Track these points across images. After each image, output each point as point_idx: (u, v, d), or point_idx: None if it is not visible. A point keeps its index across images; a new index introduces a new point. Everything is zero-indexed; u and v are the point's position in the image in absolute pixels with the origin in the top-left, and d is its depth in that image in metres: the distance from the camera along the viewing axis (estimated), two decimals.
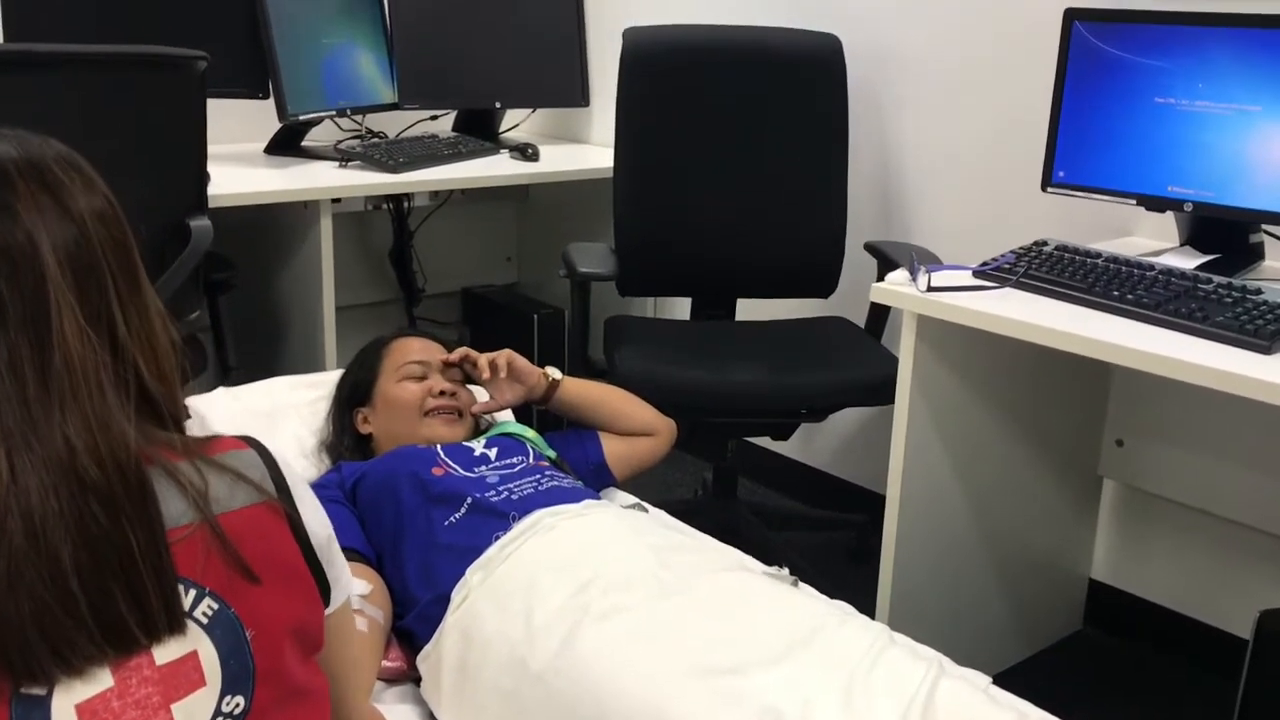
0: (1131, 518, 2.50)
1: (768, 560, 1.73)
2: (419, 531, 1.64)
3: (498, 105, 3.38)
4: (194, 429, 1.07)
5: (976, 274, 2.00)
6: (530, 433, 1.93)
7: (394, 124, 3.35)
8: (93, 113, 2.16)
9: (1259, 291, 1.78)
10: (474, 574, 1.53)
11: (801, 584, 1.64)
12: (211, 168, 2.47)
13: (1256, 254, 2.11)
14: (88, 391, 0.94)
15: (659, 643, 1.36)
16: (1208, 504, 2.31)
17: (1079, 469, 2.43)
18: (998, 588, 2.34)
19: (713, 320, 2.89)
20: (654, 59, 2.73)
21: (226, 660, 0.98)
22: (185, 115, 2.32)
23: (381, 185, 2.85)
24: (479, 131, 3.32)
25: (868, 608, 1.61)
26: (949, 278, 1.98)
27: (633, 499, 1.95)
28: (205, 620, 0.97)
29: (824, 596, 1.63)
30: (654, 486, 3.03)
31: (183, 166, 2.36)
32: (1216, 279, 1.84)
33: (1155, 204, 2.11)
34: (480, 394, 1.99)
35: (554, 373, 2.01)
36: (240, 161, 2.90)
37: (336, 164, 2.90)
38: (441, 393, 1.89)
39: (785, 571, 1.64)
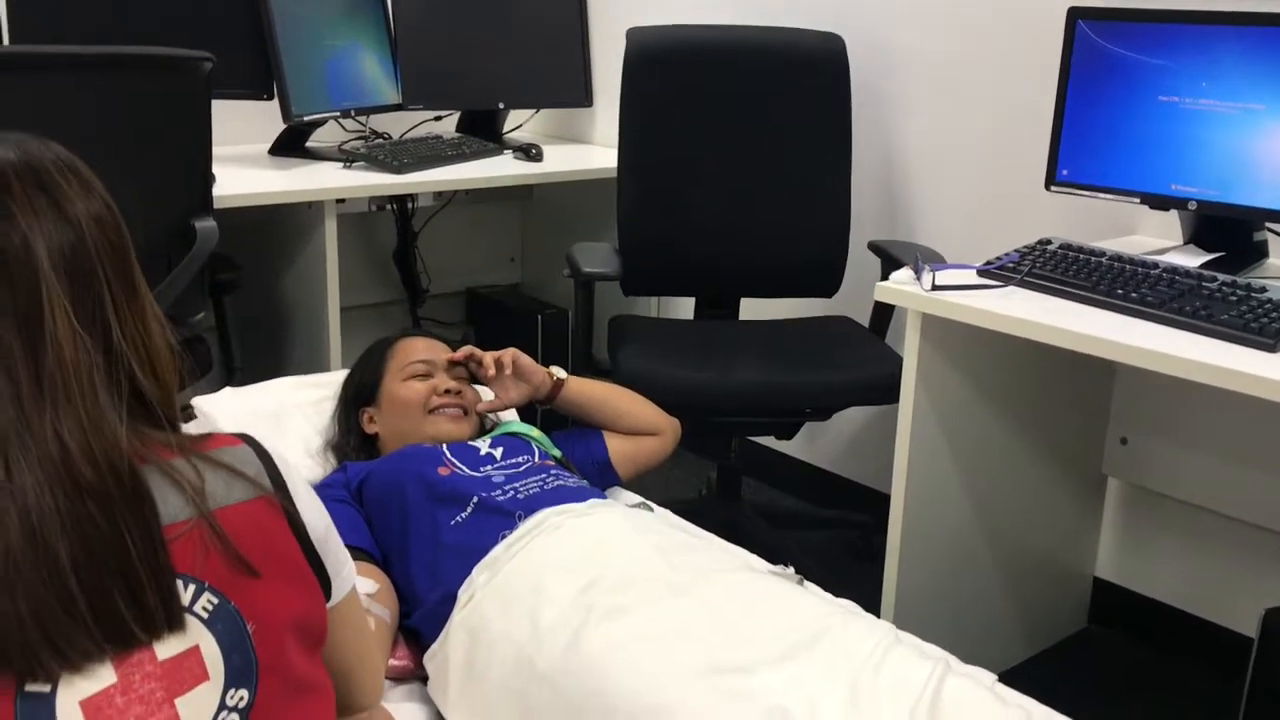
0: (1136, 516, 2.50)
1: (773, 559, 1.73)
2: (425, 531, 1.65)
3: (501, 106, 3.38)
4: (200, 429, 1.08)
5: (981, 273, 2.00)
6: (535, 432, 1.93)
7: (398, 125, 3.35)
8: (97, 114, 2.17)
9: (1264, 290, 1.78)
10: (480, 573, 1.53)
11: (807, 583, 1.64)
12: (216, 169, 2.47)
13: (1260, 252, 2.11)
14: (80, 392, 0.95)
15: (665, 642, 1.37)
16: (1212, 502, 2.31)
17: (1083, 467, 2.43)
18: (1002, 586, 2.34)
19: (716, 320, 2.89)
20: (657, 59, 2.73)
21: (229, 654, 0.98)
22: (190, 116, 2.32)
23: (385, 186, 2.85)
24: (483, 132, 3.33)
25: (873, 607, 1.61)
26: (953, 277, 1.98)
27: (638, 498, 1.95)
28: (206, 615, 0.97)
29: (829, 595, 1.63)
30: (658, 486, 3.03)
31: (188, 167, 2.37)
32: (1221, 277, 1.84)
33: (1159, 202, 2.11)
34: (485, 394, 1.99)
35: (559, 372, 2.01)
36: (245, 163, 2.90)
37: (341, 165, 2.90)
38: (446, 391, 1.89)
39: (791, 570, 1.65)
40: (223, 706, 0.98)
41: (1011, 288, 1.96)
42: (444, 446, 1.79)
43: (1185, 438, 2.30)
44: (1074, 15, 2.16)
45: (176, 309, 2.34)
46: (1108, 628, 2.56)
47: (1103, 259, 1.97)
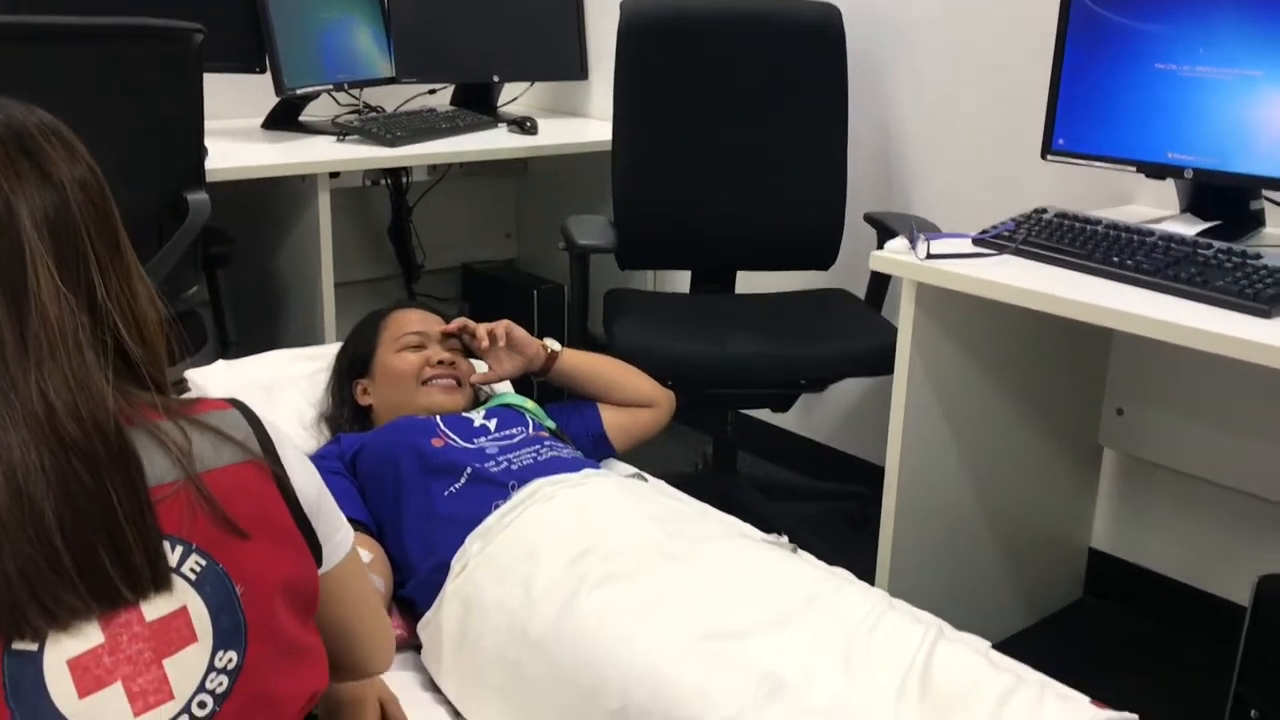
0: (1131, 487, 2.50)
1: (768, 531, 1.73)
2: (419, 501, 1.64)
3: (495, 79, 3.37)
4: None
5: (976, 241, 2.00)
6: (529, 404, 1.93)
7: (391, 98, 3.33)
8: (88, 86, 2.15)
9: (1259, 256, 1.78)
10: (473, 543, 1.53)
11: (801, 551, 1.64)
12: (209, 142, 2.46)
13: (1257, 220, 2.10)
14: (65, 351, 0.95)
15: (658, 609, 1.37)
16: (1207, 472, 2.31)
17: (1079, 438, 2.42)
18: (997, 557, 2.34)
19: (712, 293, 2.88)
20: (652, 31, 2.71)
21: (217, 615, 0.98)
22: (181, 88, 2.31)
23: (379, 159, 2.84)
24: (477, 105, 3.31)
25: (867, 577, 1.61)
26: (948, 245, 1.97)
27: (632, 469, 1.95)
28: (193, 576, 0.97)
29: (823, 563, 1.63)
30: (654, 460, 3.01)
31: (179, 140, 2.35)
32: (1217, 244, 1.83)
33: (1155, 171, 2.10)
34: (480, 367, 1.99)
35: (553, 344, 2.00)
36: (238, 136, 2.89)
37: (334, 138, 2.89)
38: (440, 362, 1.88)
39: (784, 539, 1.64)
40: (211, 668, 0.97)
41: (1006, 256, 1.96)
42: (438, 418, 1.79)
43: (1181, 408, 2.30)
44: None
45: (170, 282, 2.33)
46: (1103, 598, 2.57)
47: (1098, 227, 1.96)
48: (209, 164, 2.45)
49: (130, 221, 1.04)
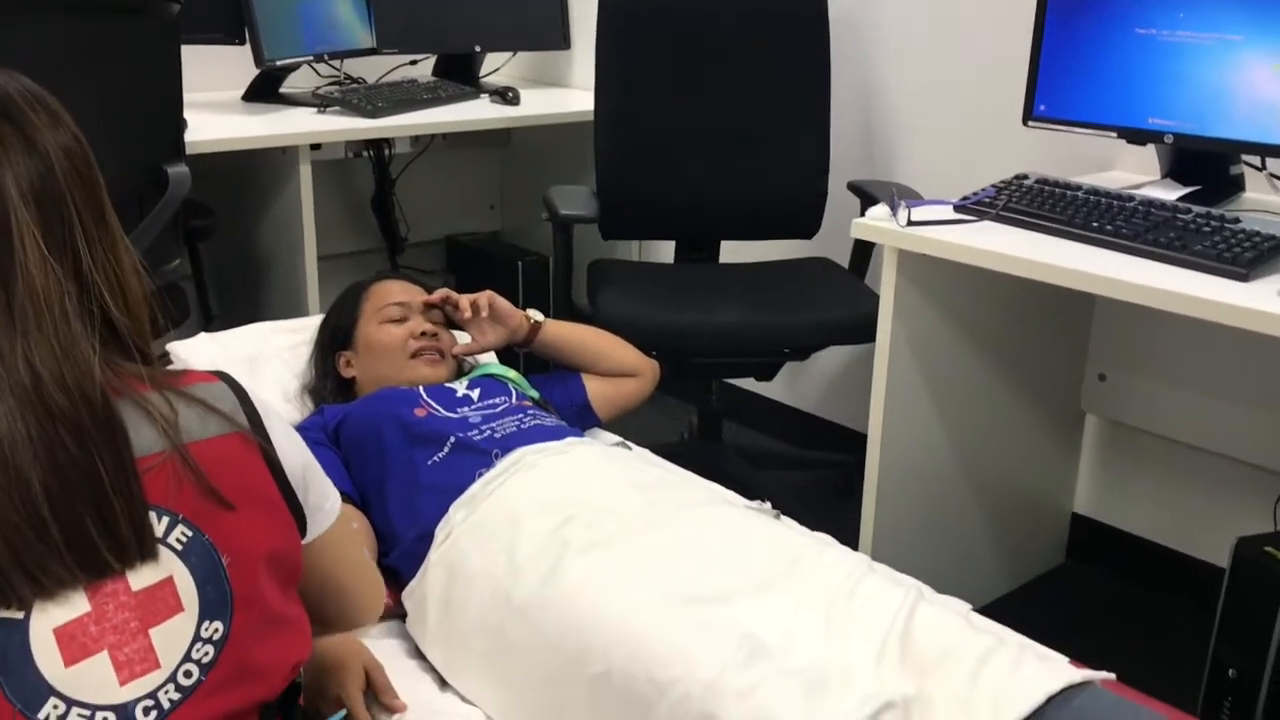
0: (1114, 452, 2.51)
1: (750, 497, 1.74)
2: (402, 471, 1.65)
3: (477, 49, 3.34)
4: None
5: (957, 208, 2.00)
6: (512, 374, 1.93)
7: (373, 69, 3.31)
8: (65, 58, 2.13)
9: (1237, 220, 1.78)
10: (457, 511, 1.54)
11: (783, 517, 1.65)
12: (189, 115, 2.44)
13: (1237, 185, 2.11)
14: (52, 320, 0.95)
15: (641, 575, 1.37)
16: (1188, 436, 2.33)
17: (1061, 404, 2.44)
18: (980, 523, 2.36)
19: (696, 263, 2.88)
20: (634, 0, 2.70)
21: (203, 586, 0.99)
22: (160, 61, 2.29)
23: (360, 130, 2.83)
24: (459, 76, 3.29)
25: (851, 545, 1.62)
26: (929, 212, 1.98)
27: (616, 438, 1.95)
28: (180, 546, 0.98)
29: (805, 529, 1.64)
30: (640, 431, 3.01)
31: (158, 112, 2.34)
32: (1196, 209, 1.84)
33: (1136, 136, 2.11)
34: (463, 338, 1.99)
35: (536, 315, 2.00)
36: (218, 109, 2.87)
37: (315, 110, 2.88)
38: (423, 334, 1.88)
39: (767, 505, 1.65)
40: (197, 638, 0.98)
41: (987, 222, 1.96)
42: (420, 388, 1.79)
43: (1162, 373, 2.32)
44: None
45: (151, 256, 2.32)
46: (1085, 563, 2.59)
47: (1079, 193, 1.97)
48: (189, 136, 2.44)
49: (110, 195, 1.04)
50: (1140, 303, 1.68)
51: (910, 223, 1.94)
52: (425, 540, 1.53)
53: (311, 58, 3.03)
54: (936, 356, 2.12)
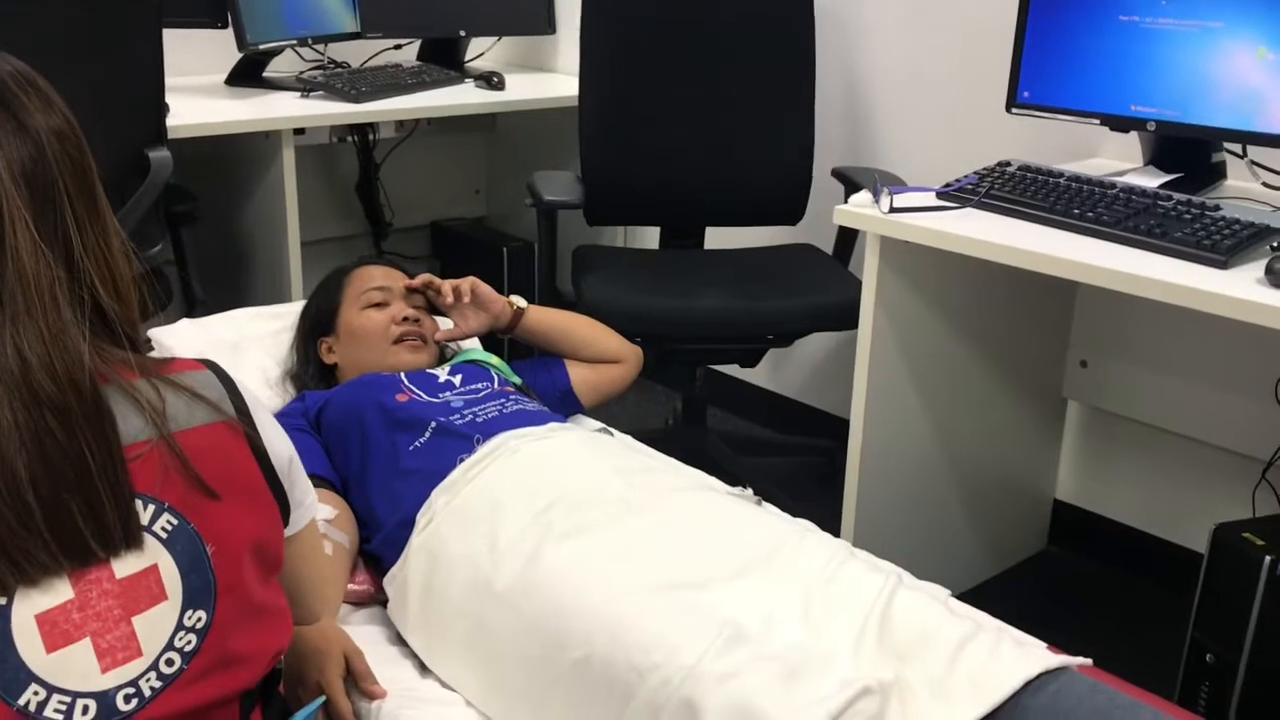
0: (1094, 438, 2.53)
1: (733, 483, 1.74)
2: (384, 456, 1.65)
3: (462, 34, 3.33)
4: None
5: (939, 195, 2.01)
6: (495, 359, 1.93)
7: (357, 54, 3.30)
8: (46, 41, 2.12)
9: (1218, 208, 1.79)
10: (439, 496, 1.54)
11: (765, 503, 1.66)
12: (171, 99, 2.43)
13: (1218, 173, 2.11)
14: (42, 306, 0.94)
15: (621, 560, 1.38)
16: (1169, 423, 2.34)
17: (1043, 390, 2.45)
18: (962, 509, 2.37)
19: (681, 249, 2.88)
20: None
21: (187, 575, 0.99)
22: (142, 44, 2.28)
23: (344, 115, 2.81)
24: (443, 60, 3.28)
25: (833, 531, 1.62)
26: (912, 199, 1.98)
27: (598, 424, 1.96)
28: (165, 535, 0.98)
29: (787, 515, 1.65)
30: (625, 417, 3.04)
31: (139, 97, 2.33)
32: (1177, 196, 1.85)
33: (1119, 123, 2.11)
34: (445, 324, 1.99)
35: (519, 301, 2.00)
36: (201, 93, 2.86)
37: (298, 94, 2.86)
38: (406, 319, 1.88)
39: (749, 492, 1.66)
40: (180, 626, 0.98)
41: (969, 209, 1.97)
42: (402, 374, 1.79)
43: (1143, 360, 2.33)
44: None
45: (133, 241, 2.29)
46: (1067, 548, 2.60)
47: (1060, 180, 1.97)
48: (171, 121, 2.43)
49: None
50: (1121, 290, 1.69)
51: (893, 209, 1.95)
52: (407, 526, 1.53)
53: (295, 41, 3.01)
54: (919, 343, 2.13)
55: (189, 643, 0.98)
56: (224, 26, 2.84)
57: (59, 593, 0.93)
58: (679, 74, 2.74)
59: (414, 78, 3.05)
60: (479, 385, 1.78)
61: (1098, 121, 2.13)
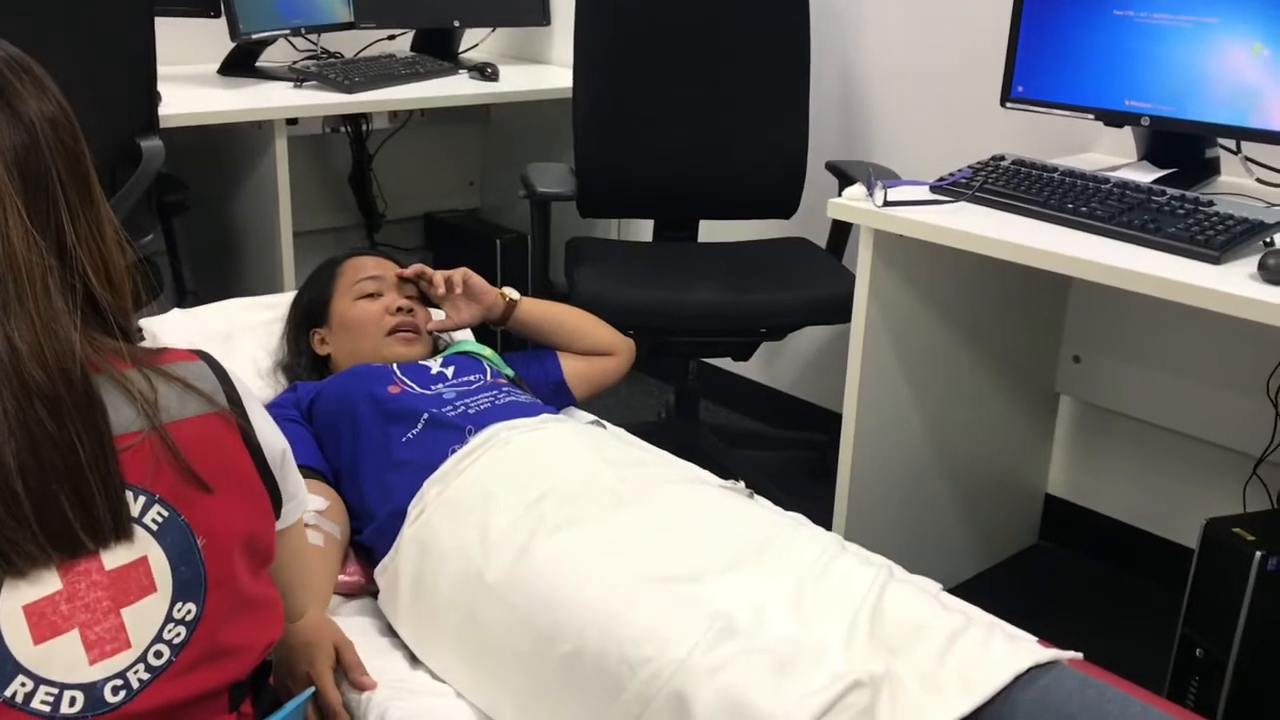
0: (1087, 433, 2.53)
1: (725, 477, 1.74)
2: (376, 448, 1.64)
3: (456, 24, 3.32)
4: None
5: (933, 189, 2.00)
6: (488, 351, 1.93)
7: (350, 44, 3.29)
8: (36, 28, 2.11)
9: (1211, 203, 1.79)
10: (430, 487, 1.53)
11: (757, 496, 1.65)
12: (163, 88, 2.43)
13: (1212, 169, 2.11)
14: (33, 295, 0.93)
15: (613, 553, 1.37)
16: (1161, 418, 2.34)
17: (1036, 385, 2.45)
18: (954, 503, 2.37)
19: (674, 242, 2.88)
20: None
21: (177, 567, 0.98)
22: (133, 32, 2.27)
23: (336, 105, 2.81)
24: (437, 51, 3.27)
25: (825, 524, 1.62)
26: (906, 193, 1.98)
27: (591, 416, 1.95)
28: (155, 527, 0.97)
29: (778, 508, 1.65)
30: (618, 410, 3.04)
31: (131, 85, 2.32)
32: (1171, 191, 1.85)
33: (1113, 118, 2.11)
34: (437, 315, 1.98)
35: (512, 293, 2.00)
36: (193, 82, 2.84)
37: (291, 84, 2.85)
38: (399, 309, 1.87)
39: (741, 485, 1.66)
40: (169, 619, 0.98)
41: (963, 203, 1.96)
42: (394, 365, 1.78)
43: (1136, 355, 2.33)
44: None
45: (125, 230, 2.30)
46: (1058, 543, 2.61)
47: (1054, 174, 1.97)
48: (163, 110, 2.42)
49: None
50: (1114, 285, 1.69)
51: (887, 203, 1.95)
52: (398, 517, 1.53)
53: (288, 31, 3.00)
54: (912, 337, 2.13)
55: (178, 635, 0.98)
56: (216, 15, 2.83)
57: (47, 584, 0.92)
58: (674, 67, 2.74)
59: (407, 68, 3.04)
60: (471, 377, 1.78)
61: (1092, 116, 2.13)
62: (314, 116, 2.92)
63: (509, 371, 1.89)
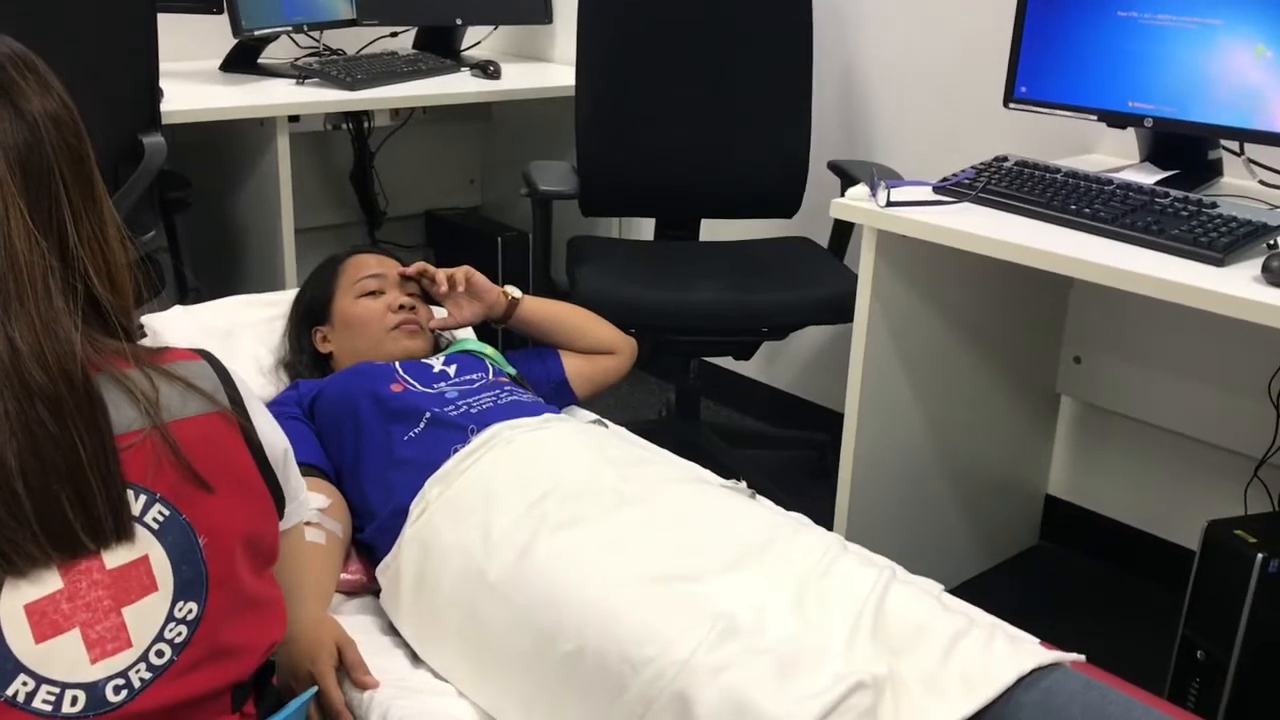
0: (1088, 434, 2.53)
1: (726, 476, 1.74)
2: (378, 446, 1.64)
3: (459, 22, 3.32)
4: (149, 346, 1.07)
5: (936, 189, 2.00)
6: (490, 349, 1.93)
7: (353, 41, 3.28)
8: (38, 25, 2.11)
9: (1214, 205, 1.79)
10: (432, 487, 1.53)
11: (759, 496, 1.65)
12: (166, 85, 2.42)
13: (1215, 170, 2.11)
14: (34, 296, 0.93)
15: (615, 552, 1.37)
16: (1162, 419, 2.34)
17: (1037, 386, 2.45)
18: (955, 503, 2.37)
19: (676, 241, 2.88)
20: None
21: (178, 566, 0.98)
22: (135, 29, 2.27)
23: (339, 102, 2.81)
24: (439, 49, 3.27)
25: (826, 524, 1.62)
26: (909, 193, 1.98)
27: (593, 415, 1.95)
28: (156, 526, 0.97)
29: (780, 508, 1.65)
30: (619, 408, 3.04)
31: (133, 82, 2.32)
32: (1174, 193, 1.85)
33: (1116, 120, 2.11)
34: (439, 313, 1.98)
35: (514, 291, 2.00)
36: (195, 79, 2.84)
37: (293, 81, 2.85)
38: (401, 306, 1.87)
39: (743, 484, 1.66)
40: (170, 618, 0.98)
41: (966, 204, 1.96)
42: (397, 364, 1.78)
43: (1137, 356, 2.33)
44: None
45: (126, 227, 2.30)
46: (1059, 544, 2.61)
47: (1058, 175, 1.97)
48: (165, 106, 2.42)
49: None
50: (1116, 286, 1.68)
51: (889, 203, 1.94)
52: (400, 515, 1.53)
53: (290, 28, 3.00)
54: (914, 337, 2.13)
55: (180, 634, 0.98)
56: (219, 12, 2.82)
57: (48, 583, 0.92)
58: (677, 66, 2.73)
59: (409, 66, 3.04)
60: (473, 376, 1.78)
61: (1095, 117, 2.13)
62: (316, 113, 2.91)
63: (511, 370, 1.89)
